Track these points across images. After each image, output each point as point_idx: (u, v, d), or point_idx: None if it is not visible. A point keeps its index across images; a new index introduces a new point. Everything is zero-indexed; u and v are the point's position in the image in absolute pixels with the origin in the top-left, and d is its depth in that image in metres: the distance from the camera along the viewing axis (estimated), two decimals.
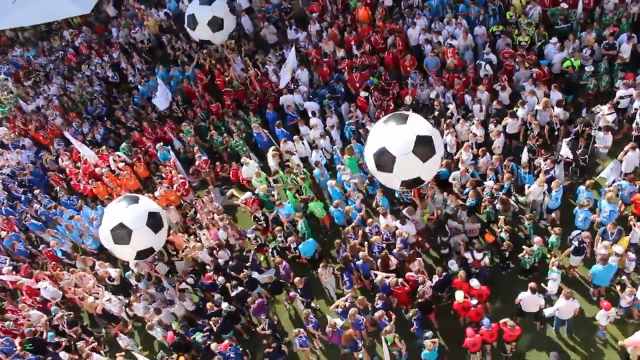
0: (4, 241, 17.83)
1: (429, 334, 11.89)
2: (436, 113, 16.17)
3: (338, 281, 13.94)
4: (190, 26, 18.24)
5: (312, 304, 13.89)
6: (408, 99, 16.86)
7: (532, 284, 11.74)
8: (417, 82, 17.17)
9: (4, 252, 17.83)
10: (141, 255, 13.97)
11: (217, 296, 13.77)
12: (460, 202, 13.80)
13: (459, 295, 11.96)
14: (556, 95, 15.13)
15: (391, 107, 16.76)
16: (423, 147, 11.41)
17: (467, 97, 16.35)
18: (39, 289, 16.12)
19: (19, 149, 21.24)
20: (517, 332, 11.57)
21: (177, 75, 20.83)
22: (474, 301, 11.99)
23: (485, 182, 14.13)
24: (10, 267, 16.91)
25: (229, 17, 18.25)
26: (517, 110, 15.27)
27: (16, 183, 19.82)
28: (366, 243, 13.69)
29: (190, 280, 14.80)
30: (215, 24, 17.87)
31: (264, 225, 15.23)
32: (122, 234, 13.33)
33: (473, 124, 15.32)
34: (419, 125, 11.78)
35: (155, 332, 14.16)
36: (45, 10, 23.72)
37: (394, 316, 12.42)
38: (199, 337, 13.61)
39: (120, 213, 13.44)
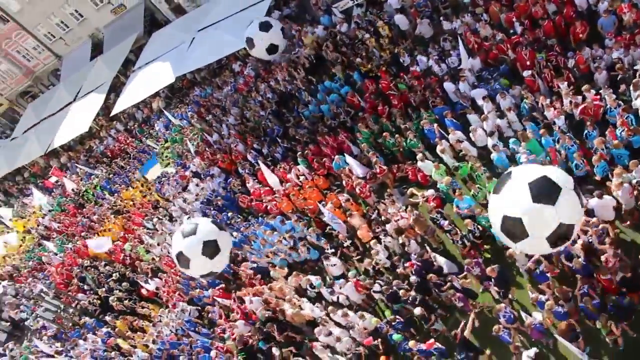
0: None
1: None
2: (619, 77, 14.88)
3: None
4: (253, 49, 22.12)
5: (509, 296, 13.37)
6: (571, 63, 15.72)
7: None
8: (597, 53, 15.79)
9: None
10: (205, 276, 15.11)
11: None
12: None
13: None
14: None
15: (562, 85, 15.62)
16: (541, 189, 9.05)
17: None
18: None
19: (210, 177, 23.40)
20: None
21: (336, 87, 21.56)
22: None
23: None
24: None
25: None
26: None
27: (211, 209, 21.87)
28: None
29: (377, 287, 15.09)
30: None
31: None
32: (184, 262, 14.02)
33: None
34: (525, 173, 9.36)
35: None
36: (214, 50, 25.83)
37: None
38: (397, 337, 13.77)
39: (180, 243, 14.03)
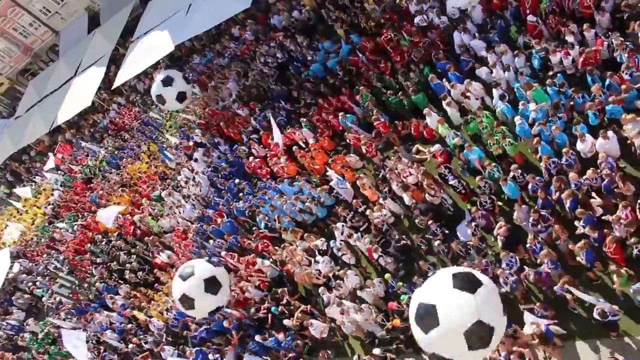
0: (221, 227, 19.71)
1: None
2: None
3: None
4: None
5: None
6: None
7: None
8: None
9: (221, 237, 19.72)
10: (212, 312, 15.26)
11: None
12: None
13: None
14: None
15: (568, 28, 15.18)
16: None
17: None
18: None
19: (214, 145, 23.19)
20: None
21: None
22: None
23: None
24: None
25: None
26: None
27: (219, 176, 21.75)
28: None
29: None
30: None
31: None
32: (188, 303, 14.40)
33: None
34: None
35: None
36: (212, 15, 25.16)
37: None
38: (404, 297, 13.96)
39: (181, 286, 14.39)
